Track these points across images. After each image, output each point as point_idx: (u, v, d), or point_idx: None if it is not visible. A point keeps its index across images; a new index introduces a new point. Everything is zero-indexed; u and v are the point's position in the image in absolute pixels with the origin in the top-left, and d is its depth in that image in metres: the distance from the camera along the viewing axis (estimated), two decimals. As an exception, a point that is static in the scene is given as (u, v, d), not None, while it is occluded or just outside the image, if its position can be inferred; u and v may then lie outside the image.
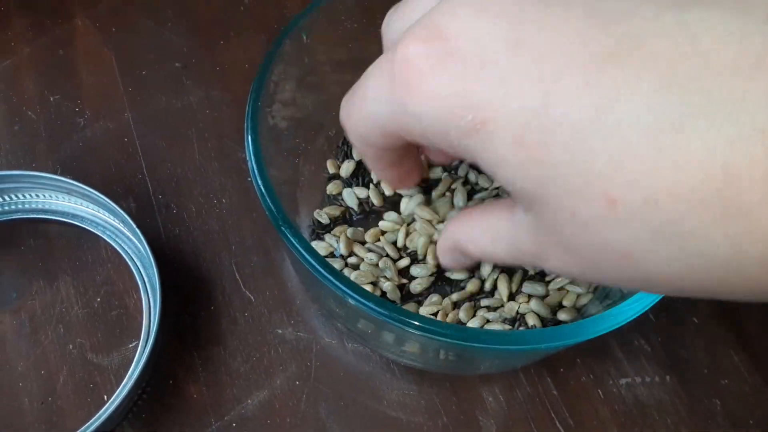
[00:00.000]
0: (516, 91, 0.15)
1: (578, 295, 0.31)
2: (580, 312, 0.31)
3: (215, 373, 0.32)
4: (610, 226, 0.15)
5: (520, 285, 0.31)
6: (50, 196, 0.35)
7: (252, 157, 0.26)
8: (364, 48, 0.37)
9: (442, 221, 0.32)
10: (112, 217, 0.34)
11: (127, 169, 0.38)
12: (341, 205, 0.34)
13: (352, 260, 0.32)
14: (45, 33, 0.42)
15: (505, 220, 0.19)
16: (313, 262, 0.24)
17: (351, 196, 0.34)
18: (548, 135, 0.15)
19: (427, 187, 0.34)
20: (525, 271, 0.32)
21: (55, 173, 0.37)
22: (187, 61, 0.42)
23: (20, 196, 0.35)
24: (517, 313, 0.31)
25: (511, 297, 0.31)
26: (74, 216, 0.35)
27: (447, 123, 0.16)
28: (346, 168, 0.34)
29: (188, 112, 0.40)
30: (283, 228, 0.24)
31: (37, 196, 0.35)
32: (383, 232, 0.33)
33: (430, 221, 0.32)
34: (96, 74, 0.41)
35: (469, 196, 0.34)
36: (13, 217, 0.35)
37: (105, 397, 0.31)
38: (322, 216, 0.33)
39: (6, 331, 0.32)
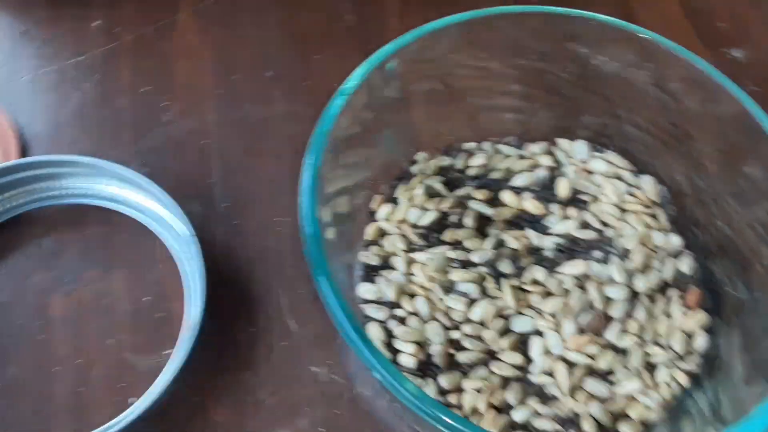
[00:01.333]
0: None
1: (647, 408, 0.27)
2: (646, 428, 0.27)
3: (241, 399, 0.31)
4: None
5: (581, 379, 0.28)
6: (121, 187, 0.35)
7: (305, 192, 0.24)
8: (455, 81, 0.35)
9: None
10: (175, 219, 0.34)
11: (200, 172, 0.37)
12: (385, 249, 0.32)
13: (399, 312, 0.30)
14: (149, 23, 0.43)
15: None
16: (346, 327, 0.22)
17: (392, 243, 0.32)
18: None
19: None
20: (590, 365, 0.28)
21: (132, 163, 0.38)
22: (279, 71, 0.42)
23: (93, 181, 0.35)
24: (573, 412, 0.27)
25: (571, 391, 0.28)
26: (140, 210, 0.35)
27: None
28: (384, 210, 0.32)
29: (271, 123, 0.39)
30: (319, 279, 0.23)
31: (109, 184, 0.35)
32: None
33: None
34: (190, 72, 0.41)
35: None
36: (84, 201, 0.36)
37: (129, 400, 0.30)
38: (371, 258, 0.31)
39: (55, 314, 0.33)
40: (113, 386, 0.31)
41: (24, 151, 0.38)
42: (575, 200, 0.34)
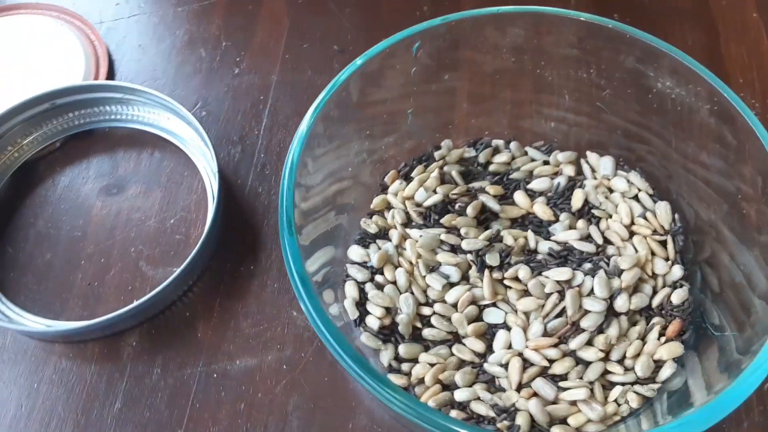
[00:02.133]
0: None
1: (588, 421, 0.27)
2: (580, 437, 0.26)
3: (225, 324, 0.33)
4: None
5: (531, 377, 0.28)
6: (177, 121, 0.39)
7: (292, 159, 0.27)
8: (506, 79, 0.36)
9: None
10: (213, 157, 0.37)
11: (250, 122, 0.41)
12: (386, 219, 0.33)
13: (378, 278, 0.31)
14: (246, -13, 0.47)
15: None
16: (296, 279, 0.24)
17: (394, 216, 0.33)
18: None
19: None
20: (545, 367, 0.28)
21: (195, 104, 0.42)
22: (345, 47, 0.44)
23: (156, 113, 0.40)
24: (513, 405, 0.27)
25: (519, 387, 0.28)
26: (188, 144, 0.39)
27: None
28: (397, 186, 0.34)
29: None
30: (284, 237, 0.25)
31: (168, 117, 0.39)
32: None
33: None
34: (267, 35, 0.45)
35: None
36: (145, 128, 0.40)
37: (135, 301, 0.34)
38: (370, 226, 0.33)
39: (95, 216, 0.37)
40: (123, 288, 0.35)
41: (111, 78, 0.43)
42: (587, 213, 0.33)
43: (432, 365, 0.29)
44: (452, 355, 0.29)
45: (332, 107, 0.29)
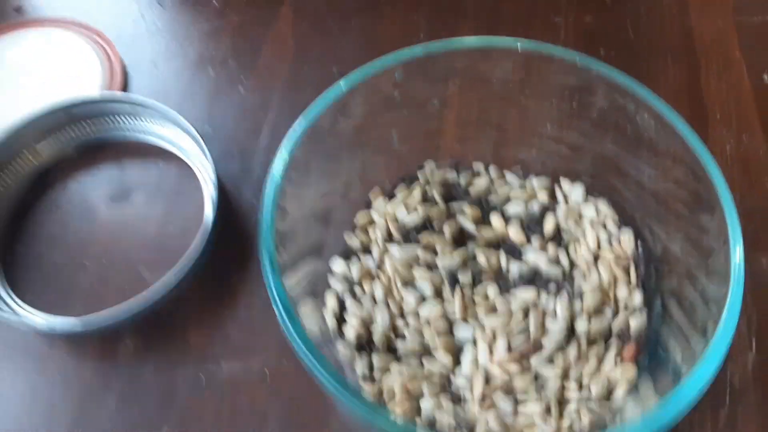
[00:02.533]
0: None
1: (542, 432, 0.28)
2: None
3: (214, 329, 0.36)
4: None
5: (493, 391, 0.30)
6: (182, 135, 0.42)
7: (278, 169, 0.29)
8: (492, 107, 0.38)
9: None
10: (213, 170, 0.39)
11: (250, 137, 0.43)
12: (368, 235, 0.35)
13: (357, 290, 0.33)
14: (255, 9, 0.50)
15: None
16: (272, 289, 0.26)
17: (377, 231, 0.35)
18: None
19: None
20: (506, 381, 0.30)
21: (200, 120, 0.44)
22: (345, 69, 0.46)
23: (163, 125, 0.42)
24: (473, 416, 0.29)
25: (481, 399, 0.30)
26: (192, 157, 0.42)
27: None
28: (380, 203, 0.36)
29: (322, 112, 0.44)
30: (263, 252, 0.27)
31: (174, 130, 0.42)
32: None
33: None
34: (272, 56, 0.48)
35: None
36: (151, 140, 0.43)
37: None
38: (353, 240, 0.35)
39: (99, 222, 0.40)
40: (119, 289, 0.37)
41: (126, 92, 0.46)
42: (558, 238, 0.35)
43: (402, 375, 0.31)
44: (422, 366, 0.31)
45: (314, 131, 0.31)
